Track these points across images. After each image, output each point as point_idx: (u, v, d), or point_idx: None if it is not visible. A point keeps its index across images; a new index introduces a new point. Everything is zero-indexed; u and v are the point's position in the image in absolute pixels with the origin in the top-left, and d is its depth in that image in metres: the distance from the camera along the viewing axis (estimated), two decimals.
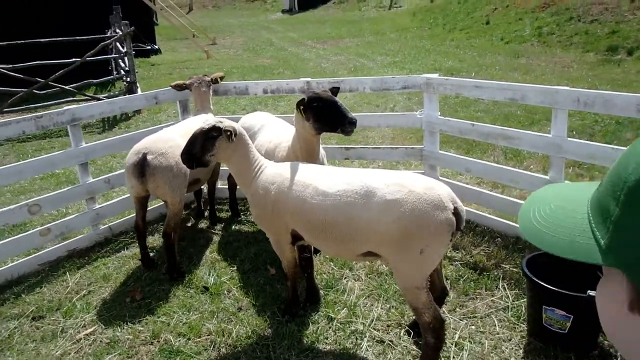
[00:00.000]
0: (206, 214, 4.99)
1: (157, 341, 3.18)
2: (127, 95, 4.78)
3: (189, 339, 3.17)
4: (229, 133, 2.96)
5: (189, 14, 27.10)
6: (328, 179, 2.74)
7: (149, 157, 3.65)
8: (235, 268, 3.95)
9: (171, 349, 3.08)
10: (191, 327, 3.26)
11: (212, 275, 3.85)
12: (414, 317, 3.13)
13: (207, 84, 4.67)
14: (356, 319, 3.19)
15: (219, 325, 3.25)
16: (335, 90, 3.17)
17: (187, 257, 4.16)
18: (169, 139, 3.89)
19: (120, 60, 11.54)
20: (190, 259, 4.16)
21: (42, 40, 9.58)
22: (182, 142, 3.91)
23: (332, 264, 3.83)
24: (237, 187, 4.85)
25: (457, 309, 3.20)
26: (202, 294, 3.65)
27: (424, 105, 4.31)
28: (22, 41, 9.31)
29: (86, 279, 3.98)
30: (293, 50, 18.08)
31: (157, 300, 3.62)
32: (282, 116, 4.51)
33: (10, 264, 4.07)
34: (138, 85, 10.64)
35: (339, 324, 3.15)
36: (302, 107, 3.04)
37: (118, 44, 11.04)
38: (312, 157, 3.27)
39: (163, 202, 4.11)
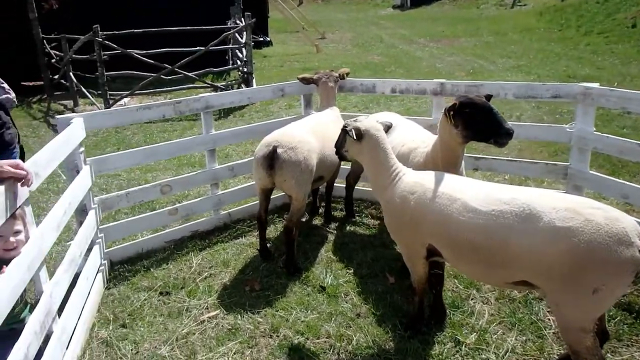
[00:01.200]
0: (320, 211, 5.06)
1: (277, 335, 3.27)
2: (256, 87, 4.97)
3: (307, 338, 3.21)
4: (351, 133, 3.05)
5: (299, 7, 27.84)
6: (479, 194, 2.59)
7: (279, 151, 3.76)
8: (352, 271, 3.95)
9: (290, 345, 3.15)
10: (309, 326, 3.31)
11: (329, 275, 3.88)
12: (555, 355, 2.91)
13: (335, 80, 4.71)
14: (487, 347, 3.02)
15: (338, 329, 3.26)
16: (488, 97, 3.01)
17: (302, 253, 4.24)
18: (299, 134, 3.97)
19: (237, 51, 12.16)
20: (305, 256, 4.23)
21: (172, 28, 10.37)
22: (311, 138, 4.02)
23: (456, 281, 3.68)
24: (354, 187, 4.89)
25: (609, 355, 2.89)
26: (319, 293, 3.69)
27: (577, 118, 3.96)
28: (154, 29, 10.13)
29: (207, 262, 4.22)
30: (404, 48, 17.81)
31: (275, 293, 3.72)
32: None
33: (141, 239, 4.44)
34: (254, 76, 11.13)
35: (467, 349, 3.00)
36: (451, 113, 2.92)
37: (237, 34, 11.64)
38: (453, 167, 3.13)
39: (287, 196, 4.22)
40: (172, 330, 3.35)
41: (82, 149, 3.64)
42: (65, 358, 2.78)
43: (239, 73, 11.99)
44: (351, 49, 18.54)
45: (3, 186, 2.10)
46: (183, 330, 3.34)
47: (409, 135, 3.76)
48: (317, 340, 3.19)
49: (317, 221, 4.96)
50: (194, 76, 10.39)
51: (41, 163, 2.60)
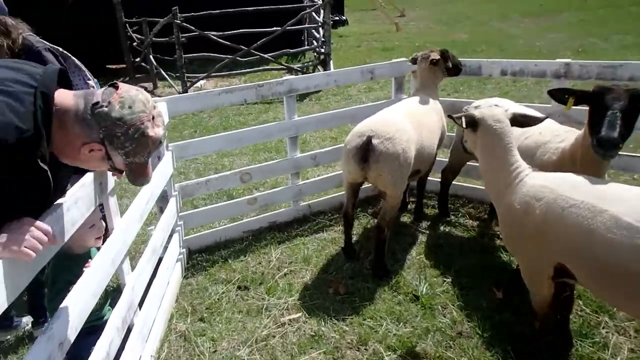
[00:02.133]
0: (409, 207, 4.70)
1: (365, 348, 2.99)
2: (343, 69, 4.62)
3: (400, 356, 2.90)
4: (460, 121, 2.74)
5: None
6: (635, 205, 2.14)
7: (374, 141, 3.42)
8: (450, 280, 3.57)
9: None
10: (402, 341, 2.99)
11: (423, 283, 3.53)
12: None
13: (433, 61, 4.25)
14: None
15: (436, 349, 2.91)
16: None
17: (391, 254, 3.91)
18: (396, 122, 3.60)
19: (314, 31, 11.90)
20: (395, 257, 3.91)
21: (248, 9, 10.27)
22: (408, 127, 3.65)
23: (580, 302, 3.19)
24: (451, 183, 4.48)
25: None
26: (412, 303, 3.36)
27: None
28: (232, 9, 10.08)
29: (286, 257, 4.02)
30: (495, 25, 16.70)
31: (362, 299, 3.44)
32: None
33: (219, 227, 4.33)
34: (331, 57, 10.84)
35: None
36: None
37: (314, 13, 11.37)
38: (595, 170, 2.63)
39: (376, 190, 3.89)
40: (251, 330, 3.17)
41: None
42: (145, 351, 2.68)
43: (315, 54, 11.75)
44: (433, 27, 17.72)
45: (92, 175, 1.99)
46: (263, 331, 3.15)
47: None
48: None
49: (406, 218, 4.61)
50: (269, 57, 10.26)
51: None
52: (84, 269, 2.11)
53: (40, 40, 2.73)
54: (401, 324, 3.16)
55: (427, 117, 3.90)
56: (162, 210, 3.46)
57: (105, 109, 1.57)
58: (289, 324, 3.23)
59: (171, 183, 3.64)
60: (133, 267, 2.65)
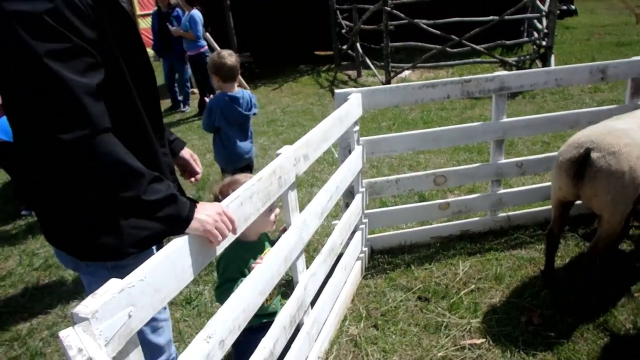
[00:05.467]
0: (632, 232, 3.93)
1: None
2: (567, 66, 4.04)
3: None
4: None
5: None
6: None
7: (594, 155, 2.91)
8: None
9: None
10: None
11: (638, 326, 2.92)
12: None
13: None
14: None
15: None
16: None
17: (601, 287, 3.31)
18: (625, 134, 3.00)
19: (535, 21, 10.81)
20: (605, 291, 3.30)
21: None
22: None
23: None
24: None
25: None
26: (619, 347, 2.80)
27: None
28: None
29: (476, 271, 3.72)
30: None
31: (559, 335, 2.98)
32: None
33: (405, 230, 4.23)
34: (553, 50, 9.73)
35: None
36: None
37: (538, 1, 10.30)
38: None
39: (588, 209, 3.33)
40: (426, 348, 3.01)
41: (357, 127, 3.51)
42: (312, 352, 2.72)
43: (534, 47, 10.68)
44: None
45: (270, 168, 2.02)
46: (439, 352, 2.96)
47: None
48: None
49: (626, 245, 3.87)
50: (482, 49, 9.67)
51: (312, 144, 2.50)
52: (254, 265, 2.16)
53: None
54: None
55: None
56: (347, 206, 3.51)
57: None
58: (469, 349, 2.98)
59: (359, 179, 3.65)
60: (310, 263, 2.68)
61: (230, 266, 2.26)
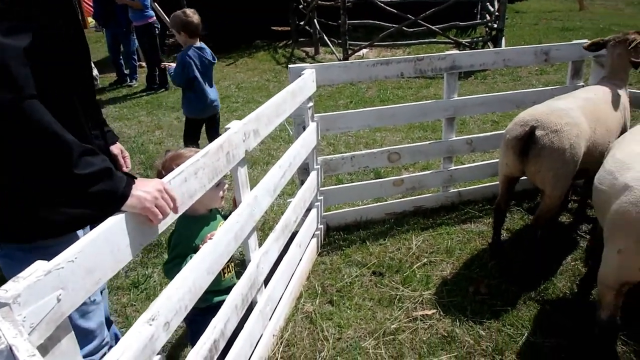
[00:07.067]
0: (570, 205, 4.08)
1: (501, 358, 2.66)
2: (514, 47, 4.12)
3: None
4: None
5: None
6: None
7: (538, 133, 2.96)
8: None
9: None
10: (543, 357, 2.59)
11: (575, 292, 3.03)
12: None
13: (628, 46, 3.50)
14: None
15: None
16: None
17: (542, 257, 3.41)
18: (566, 113, 3.06)
19: (488, 4, 10.91)
20: (546, 261, 3.41)
21: None
22: (581, 120, 3.10)
23: None
24: None
25: None
26: (560, 313, 2.90)
27: None
28: None
29: (428, 245, 3.76)
30: None
31: (504, 303, 3.06)
32: None
33: (361, 206, 4.21)
34: (504, 33, 9.87)
35: None
36: None
37: None
38: None
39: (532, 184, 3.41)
40: (380, 321, 3.02)
41: (311, 104, 3.43)
42: (266, 330, 2.67)
43: (486, 29, 10.81)
44: (624, 8, 15.15)
45: (217, 143, 1.91)
46: (392, 324, 2.97)
47: None
48: None
49: (565, 219, 4.00)
50: (437, 30, 9.71)
51: (263, 119, 2.39)
52: (206, 238, 2.07)
53: None
54: (545, 336, 2.75)
55: (607, 111, 3.27)
56: (302, 184, 3.45)
57: None
58: (421, 320, 3.01)
59: (314, 155, 3.59)
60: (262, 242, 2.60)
61: (180, 241, 2.12)
